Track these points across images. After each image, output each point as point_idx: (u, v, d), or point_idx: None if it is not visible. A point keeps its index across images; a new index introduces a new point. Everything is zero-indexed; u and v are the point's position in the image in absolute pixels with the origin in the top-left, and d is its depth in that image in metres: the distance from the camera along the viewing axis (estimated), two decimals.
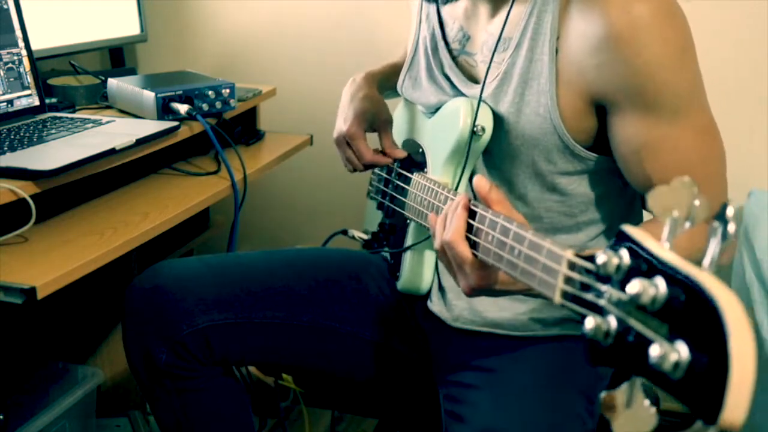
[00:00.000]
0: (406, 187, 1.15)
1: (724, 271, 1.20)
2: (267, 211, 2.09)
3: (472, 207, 0.85)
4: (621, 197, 1.06)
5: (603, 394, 0.51)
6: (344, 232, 1.33)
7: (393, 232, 1.21)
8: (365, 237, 1.28)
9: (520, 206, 1.04)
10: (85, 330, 1.66)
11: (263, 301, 1.14)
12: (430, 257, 1.14)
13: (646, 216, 1.17)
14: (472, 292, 0.86)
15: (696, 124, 0.93)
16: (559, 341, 1.06)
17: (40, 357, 1.54)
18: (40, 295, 0.95)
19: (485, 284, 0.84)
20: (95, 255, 1.05)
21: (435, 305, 1.14)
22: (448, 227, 0.85)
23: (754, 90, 1.63)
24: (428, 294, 1.16)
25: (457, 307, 1.11)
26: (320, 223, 1.69)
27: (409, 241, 1.15)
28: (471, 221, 0.84)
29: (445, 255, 0.87)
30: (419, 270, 1.14)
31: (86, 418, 1.50)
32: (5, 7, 1.36)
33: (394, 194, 1.19)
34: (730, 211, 0.49)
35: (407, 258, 1.15)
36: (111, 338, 1.67)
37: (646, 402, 0.50)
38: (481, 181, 0.84)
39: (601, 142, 0.99)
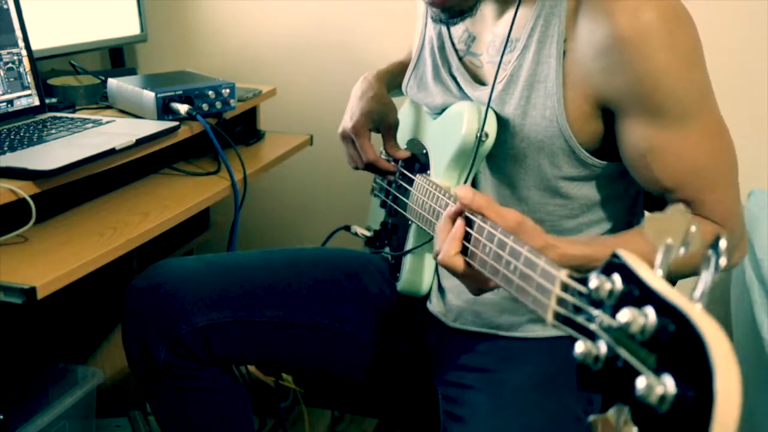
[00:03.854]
0: (408, 188, 1.14)
1: (724, 272, 1.21)
2: (267, 211, 2.09)
3: (471, 216, 0.84)
4: (623, 199, 1.06)
5: (592, 418, 0.52)
6: (347, 228, 1.33)
7: (395, 231, 1.21)
8: (368, 234, 1.28)
9: (522, 209, 1.04)
10: (85, 330, 1.66)
11: (263, 300, 1.14)
12: (430, 259, 1.14)
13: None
14: (480, 293, 0.88)
15: (703, 129, 0.93)
16: (557, 342, 1.06)
17: (40, 357, 1.54)
18: (40, 295, 0.95)
19: (486, 286, 0.86)
20: (95, 255, 1.05)
21: (434, 306, 1.14)
22: (443, 248, 0.86)
23: (754, 90, 1.63)
24: (428, 294, 1.16)
25: (456, 307, 1.11)
26: (320, 223, 1.68)
27: (410, 242, 1.15)
28: (469, 230, 0.84)
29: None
30: (419, 272, 1.14)
31: (86, 418, 1.50)
32: (5, 7, 1.36)
33: (397, 194, 1.19)
34: (723, 244, 0.49)
35: (408, 260, 1.15)
36: (111, 338, 1.67)
37: (634, 429, 0.50)
38: (463, 192, 0.83)
39: (606, 146, 0.98)
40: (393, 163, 1.20)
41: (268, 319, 1.13)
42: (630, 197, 1.07)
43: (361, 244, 1.31)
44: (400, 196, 1.18)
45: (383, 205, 1.26)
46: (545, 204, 1.03)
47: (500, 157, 1.03)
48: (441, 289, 1.14)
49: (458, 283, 0.94)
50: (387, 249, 1.23)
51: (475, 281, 0.86)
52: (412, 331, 1.19)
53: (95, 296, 1.60)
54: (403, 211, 1.16)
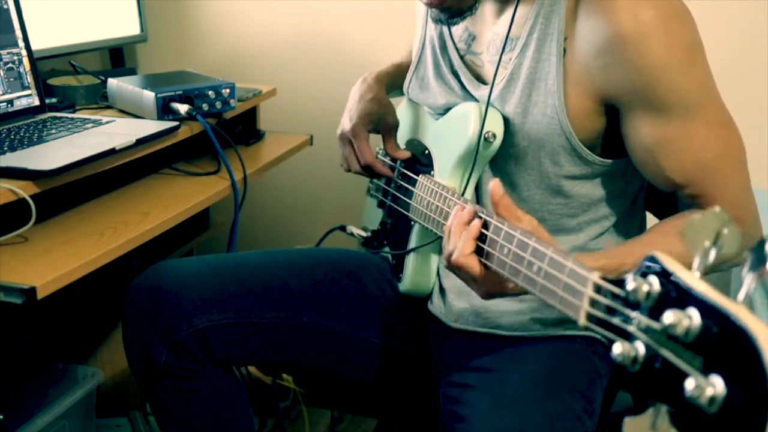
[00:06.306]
0: (410, 188, 1.14)
1: (725, 273, 1.21)
2: (267, 211, 2.09)
3: (486, 218, 0.86)
4: (623, 197, 1.06)
5: (627, 419, 0.51)
6: (342, 228, 1.33)
7: (395, 231, 1.21)
8: (364, 234, 1.28)
9: (524, 208, 1.04)
10: (85, 330, 1.66)
11: (263, 301, 1.14)
12: (434, 259, 1.14)
13: (648, 215, 1.17)
14: (489, 297, 0.89)
15: (706, 123, 0.93)
16: (558, 341, 1.06)
17: (40, 357, 1.54)
18: (40, 295, 0.95)
19: (500, 289, 0.87)
20: (95, 255, 1.05)
21: (435, 306, 1.14)
22: (457, 247, 0.87)
23: (754, 90, 1.63)
24: (429, 295, 1.16)
25: (457, 307, 1.11)
26: (320, 223, 1.68)
27: (413, 242, 1.15)
28: (485, 231, 0.85)
29: (453, 269, 0.89)
30: (423, 272, 1.14)
31: (86, 418, 1.50)
32: (5, 7, 1.36)
33: (398, 194, 1.19)
34: None
35: (411, 260, 1.14)
36: (111, 338, 1.67)
37: (673, 430, 0.49)
38: (496, 187, 0.85)
39: (607, 143, 0.99)
40: (389, 168, 1.20)
41: (268, 320, 1.13)
42: (630, 195, 1.07)
43: (356, 244, 1.31)
44: (402, 197, 1.17)
45: (381, 205, 1.26)
46: (547, 203, 1.04)
47: (502, 156, 1.03)
48: (442, 290, 1.14)
49: (460, 283, 0.94)
50: (386, 249, 1.23)
51: (490, 284, 0.86)
52: (412, 331, 1.19)
53: (95, 296, 1.60)
54: (405, 212, 1.16)
